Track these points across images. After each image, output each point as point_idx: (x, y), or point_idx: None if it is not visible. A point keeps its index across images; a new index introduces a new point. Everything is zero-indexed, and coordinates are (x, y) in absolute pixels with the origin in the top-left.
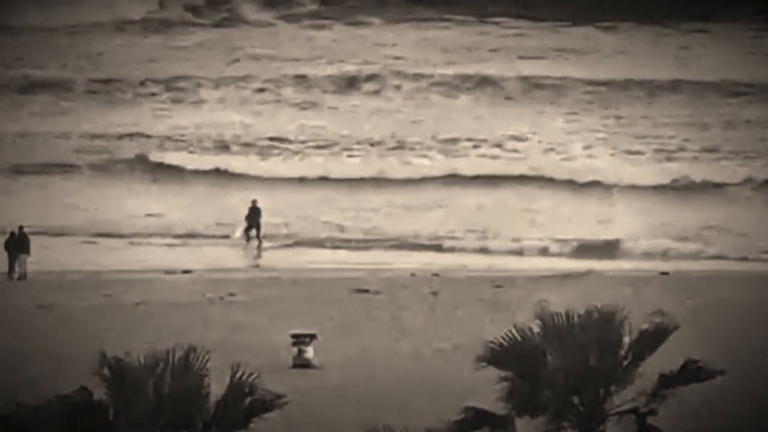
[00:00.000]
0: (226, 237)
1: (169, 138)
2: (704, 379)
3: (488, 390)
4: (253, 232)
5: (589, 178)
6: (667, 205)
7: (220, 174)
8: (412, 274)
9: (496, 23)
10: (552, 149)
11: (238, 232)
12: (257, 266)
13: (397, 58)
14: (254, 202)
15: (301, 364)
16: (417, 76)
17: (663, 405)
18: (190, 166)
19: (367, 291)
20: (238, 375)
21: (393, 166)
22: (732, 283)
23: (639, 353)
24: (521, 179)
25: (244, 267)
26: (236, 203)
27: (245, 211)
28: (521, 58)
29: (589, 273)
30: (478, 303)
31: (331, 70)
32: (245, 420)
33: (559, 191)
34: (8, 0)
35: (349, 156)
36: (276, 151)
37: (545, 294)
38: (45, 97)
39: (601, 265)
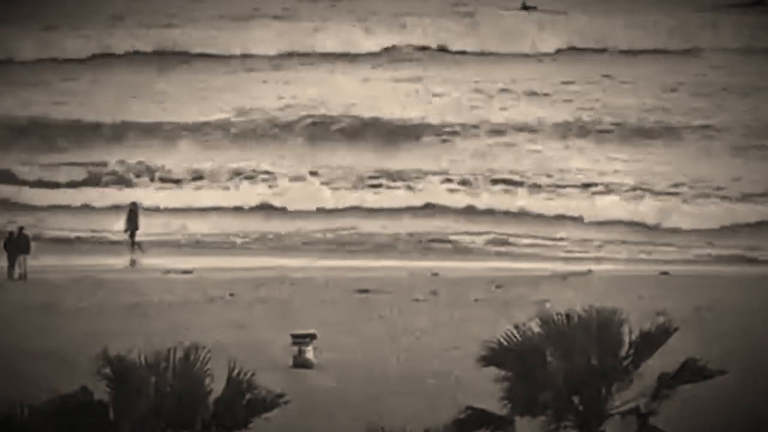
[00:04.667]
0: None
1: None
2: (705, 378)
3: (488, 390)
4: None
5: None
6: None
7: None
8: (411, 274)
9: None
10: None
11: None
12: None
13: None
14: (134, 204)
15: (301, 364)
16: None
17: (663, 405)
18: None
19: (367, 291)
20: (236, 373)
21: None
22: (732, 284)
23: (639, 354)
24: None
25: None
26: None
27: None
28: None
29: (589, 273)
30: (478, 303)
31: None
32: (245, 420)
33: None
34: None
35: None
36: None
37: (545, 294)
38: None
39: (601, 265)
